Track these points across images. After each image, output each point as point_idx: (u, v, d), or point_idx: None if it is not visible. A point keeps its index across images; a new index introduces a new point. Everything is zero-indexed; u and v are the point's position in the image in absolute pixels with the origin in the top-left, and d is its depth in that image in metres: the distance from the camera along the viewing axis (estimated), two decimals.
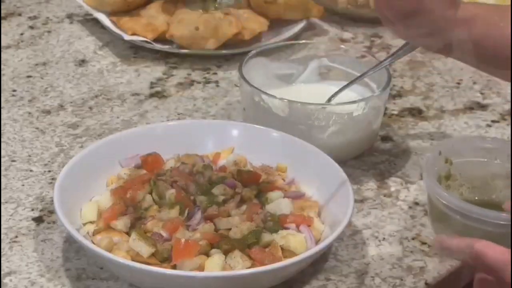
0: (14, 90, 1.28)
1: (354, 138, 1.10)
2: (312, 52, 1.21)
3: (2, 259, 0.95)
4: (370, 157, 1.14)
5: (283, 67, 1.19)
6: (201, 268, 0.88)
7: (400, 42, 1.46)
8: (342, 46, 1.26)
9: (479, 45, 0.94)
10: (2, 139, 1.16)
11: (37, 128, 1.19)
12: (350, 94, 1.13)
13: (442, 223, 0.94)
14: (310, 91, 1.16)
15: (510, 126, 1.21)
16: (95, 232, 0.93)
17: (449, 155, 0.99)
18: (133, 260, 0.88)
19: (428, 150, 1.16)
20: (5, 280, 0.92)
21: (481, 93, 1.31)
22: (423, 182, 0.99)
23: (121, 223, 0.93)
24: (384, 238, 1.00)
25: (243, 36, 1.38)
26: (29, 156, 1.13)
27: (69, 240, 0.97)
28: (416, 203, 1.06)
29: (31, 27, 1.47)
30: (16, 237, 0.98)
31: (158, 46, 1.38)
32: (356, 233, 1.00)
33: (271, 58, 1.18)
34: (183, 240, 0.89)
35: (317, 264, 0.95)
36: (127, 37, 1.38)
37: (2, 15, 1.50)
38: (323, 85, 1.18)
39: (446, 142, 1.10)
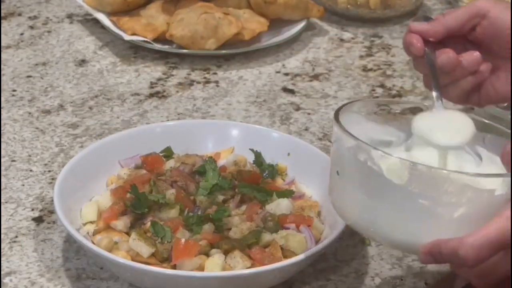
0: (14, 90, 1.28)
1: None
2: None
3: (2, 259, 0.95)
4: None
5: (381, 131, 0.90)
6: (201, 268, 0.88)
7: (400, 43, 1.46)
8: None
9: None
10: (2, 139, 1.16)
11: (37, 128, 1.19)
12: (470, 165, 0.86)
13: None
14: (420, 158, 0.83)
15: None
16: (95, 232, 0.93)
17: None
18: (133, 260, 0.88)
19: None
20: (5, 280, 0.92)
21: None
22: None
23: (121, 223, 0.93)
24: None
25: (243, 36, 1.38)
26: (29, 156, 1.13)
27: (69, 240, 0.97)
28: None
29: (31, 27, 1.47)
30: (16, 237, 0.98)
31: (158, 46, 1.38)
32: (356, 233, 1.00)
33: (369, 118, 0.90)
34: (183, 240, 0.89)
35: (317, 264, 0.95)
36: (127, 37, 1.38)
37: (2, 15, 1.50)
38: (432, 155, 0.86)
39: None
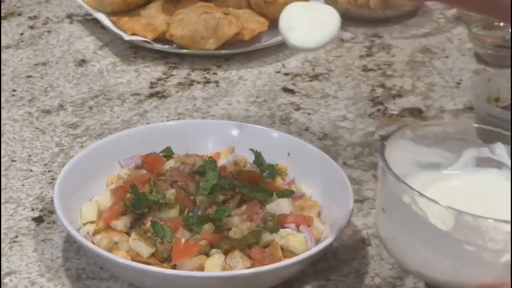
0: (14, 90, 1.28)
1: None
2: (469, 138, 0.88)
3: (2, 259, 0.95)
4: (370, 157, 1.14)
5: (430, 153, 0.88)
6: (201, 268, 0.88)
7: (400, 43, 1.46)
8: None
9: None
10: (2, 139, 1.16)
11: (37, 128, 1.19)
12: None
13: None
14: (465, 188, 0.85)
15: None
16: (95, 232, 0.93)
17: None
18: (133, 260, 0.88)
19: None
20: (5, 280, 0.92)
21: None
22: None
23: (121, 223, 0.93)
24: None
25: (243, 36, 1.38)
26: (29, 156, 1.13)
27: (69, 240, 0.97)
28: None
29: (31, 27, 1.47)
30: (16, 237, 0.98)
31: (158, 46, 1.38)
32: (356, 233, 1.00)
33: (416, 142, 0.87)
34: (183, 240, 0.89)
35: (317, 264, 0.95)
36: (127, 37, 1.38)
37: (2, 15, 1.50)
38: (482, 178, 0.86)
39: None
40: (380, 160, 0.80)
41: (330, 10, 0.95)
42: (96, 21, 1.46)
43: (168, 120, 1.21)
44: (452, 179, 0.85)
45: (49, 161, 1.12)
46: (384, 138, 0.83)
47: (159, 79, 1.32)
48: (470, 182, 0.84)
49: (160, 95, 1.28)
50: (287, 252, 0.91)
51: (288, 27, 0.92)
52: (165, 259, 0.90)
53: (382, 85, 1.32)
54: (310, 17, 0.94)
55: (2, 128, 1.18)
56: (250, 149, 1.04)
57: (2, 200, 1.04)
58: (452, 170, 0.86)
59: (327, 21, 0.93)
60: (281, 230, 0.93)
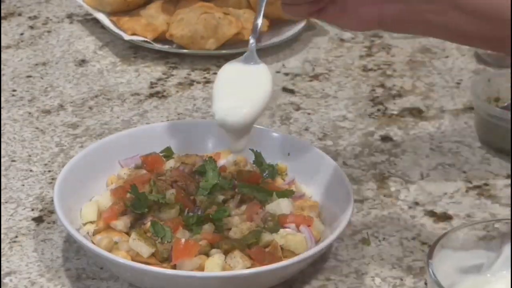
0: (14, 90, 1.28)
1: None
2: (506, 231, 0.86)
3: (2, 259, 0.95)
4: (370, 157, 1.14)
5: (470, 257, 0.85)
6: (201, 268, 0.88)
7: (400, 43, 1.46)
8: None
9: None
10: (2, 139, 1.16)
11: (37, 128, 1.19)
12: None
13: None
14: None
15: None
16: (95, 232, 0.93)
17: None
18: (133, 260, 0.88)
19: (427, 150, 1.16)
20: (5, 280, 0.92)
21: None
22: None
23: (121, 223, 0.93)
24: (384, 238, 1.00)
25: (243, 36, 1.38)
26: (29, 156, 1.13)
27: (69, 240, 0.97)
28: (416, 203, 1.06)
29: (31, 27, 1.47)
30: (16, 237, 0.98)
31: (158, 46, 1.38)
32: (356, 233, 1.00)
33: (455, 248, 0.84)
34: (183, 240, 0.89)
35: (317, 264, 0.95)
36: (127, 37, 1.38)
37: (2, 15, 1.50)
38: None
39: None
40: (429, 279, 0.78)
41: (262, 70, 0.97)
42: (96, 21, 1.46)
43: (168, 120, 1.21)
44: (496, 282, 0.82)
45: (49, 161, 1.12)
46: (428, 255, 0.81)
47: (159, 79, 1.32)
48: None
49: (160, 95, 1.28)
50: (287, 252, 0.91)
51: (224, 114, 0.91)
52: (165, 259, 0.90)
53: (382, 85, 1.32)
54: (241, 90, 0.94)
55: (2, 128, 1.18)
56: (250, 149, 1.04)
57: (2, 200, 1.04)
58: (495, 270, 0.83)
59: (259, 92, 0.94)
60: (281, 230, 0.93)
